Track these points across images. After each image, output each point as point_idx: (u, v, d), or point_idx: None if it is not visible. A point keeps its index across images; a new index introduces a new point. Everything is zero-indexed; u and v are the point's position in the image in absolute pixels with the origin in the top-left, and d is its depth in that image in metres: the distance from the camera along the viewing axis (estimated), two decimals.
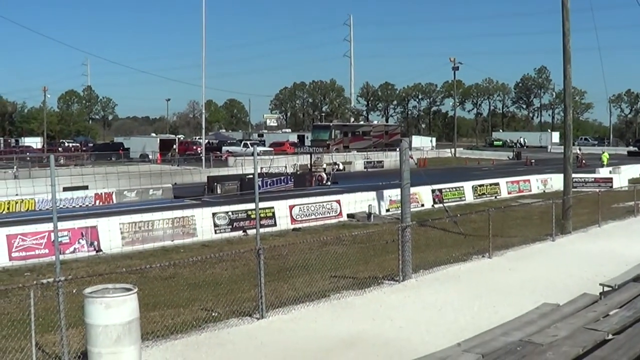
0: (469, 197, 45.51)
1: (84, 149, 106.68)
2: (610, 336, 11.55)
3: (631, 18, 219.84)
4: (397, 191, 24.21)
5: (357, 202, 37.10)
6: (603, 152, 70.79)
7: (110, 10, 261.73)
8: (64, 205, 39.73)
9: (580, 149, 74.48)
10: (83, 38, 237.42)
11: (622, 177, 58.22)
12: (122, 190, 45.72)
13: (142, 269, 17.23)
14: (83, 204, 42.43)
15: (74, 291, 15.53)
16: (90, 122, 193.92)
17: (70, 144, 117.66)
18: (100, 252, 26.34)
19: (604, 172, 60.97)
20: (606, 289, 15.78)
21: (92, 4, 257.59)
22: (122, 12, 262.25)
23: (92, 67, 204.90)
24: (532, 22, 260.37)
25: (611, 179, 55.76)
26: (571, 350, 10.55)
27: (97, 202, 43.42)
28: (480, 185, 47.82)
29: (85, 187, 46.08)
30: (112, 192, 44.71)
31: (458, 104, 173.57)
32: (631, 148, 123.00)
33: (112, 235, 27.04)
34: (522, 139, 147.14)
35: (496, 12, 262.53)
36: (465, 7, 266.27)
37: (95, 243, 26.66)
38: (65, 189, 43.26)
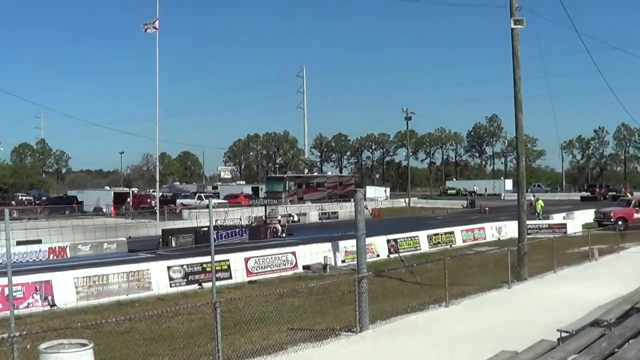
0: (425, 247, 45.57)
1: (37, 202, 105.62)
2: None
3: (580, 64, 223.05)
4: (353, 242, 24.28)
5: (312, 254, 37.01)
6: (537, 200, 69.82)
7: (62, 63, 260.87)
8: (17, 260, 39.21)
9: (534, 196, 74.88)
10: (36, 91, 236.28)
11: (575, 222, 58.71)
12: (77, 244, 45.32)
13: (97, 324, 17.02)
14: (37, 258, 41.99)
15: (28, 347, 15.31)
16: (43, 175, 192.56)
17: (24, 198, 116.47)
18: (55, 307, 26.03)
19: (557, 218, 61.42)
20: (564, 334, 15.82)
21: (43, 57, 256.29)
22: (74, 65, 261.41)
23: (46, 120, 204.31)
24: (483, 71, 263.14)
25: (565, 224, 56.23)
26: None
27: (51, 256, 42.97)
28: (435, 234, 47.94)
29: (39, 242, 45.56)
30: (66, 246, 44.29)
31: (411, 153, 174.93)
32: (584, 193, 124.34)
33: (66, 289, 26.77)
34: (475, 187, 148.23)
35: (446, 62, 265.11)
36: (416, 57, 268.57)
37: (50, 297, 26.34)
38: (18, 243, 42.74)
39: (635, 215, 56.21)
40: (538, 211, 66.22)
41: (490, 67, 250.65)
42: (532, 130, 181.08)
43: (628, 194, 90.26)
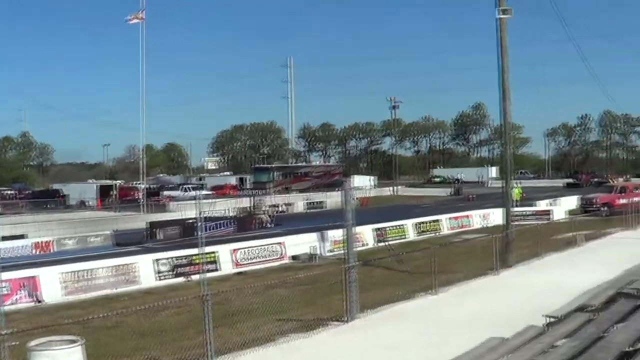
0: (412, 235, 45.71)
1: (21, 196, 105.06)
2: None
3: (565, 52, 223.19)
4: (340, 231, 24.21)
5: (300, 244, 37.07)
6: (516, 187, 67.20)
7: (45, 55, 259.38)
8: (3, 255, 39.11)
9: (520, 183, 74.81)
10: (19, 84, 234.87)
11: (560, 209, 58.97)
12: (62, 238, 45.17)
13: (85, 319, 16.98)
14: (22, 253, 41.85)
15: (14, 344, 15.25)
16: (27, 168, 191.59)
17: (7, 192, 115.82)
18: (42, 303, 25.97)
19: (542, 205, 61.57)
20: (551, 320, 15.91)
21: (25, 49, 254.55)
22: (58, 56, 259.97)
23: (29, 113, 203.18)
24: (469, 59, 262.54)
25: (550, 211, 56.39)
26: None
27: (37, 251, 42.88)
28: (422, 223, 48.09)
29: (24, 236, 45.43)
30: (52, 241, 44.20)
31: (397, 142, 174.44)
32: (568, 180, 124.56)
33: (53, 285, 26.74)
34: (461, 175, 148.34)
35: (432, 50, 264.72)
36: (401, 45, 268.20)
37: (36, 293, 26.29)
38: (3, 238, 42.64)
39: (620, 201, 56.39)
40: (516, 199, 64.89)
41: (477, 55, 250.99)
42: (517, 118, 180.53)
43: (612, 180, 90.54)
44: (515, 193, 65.34)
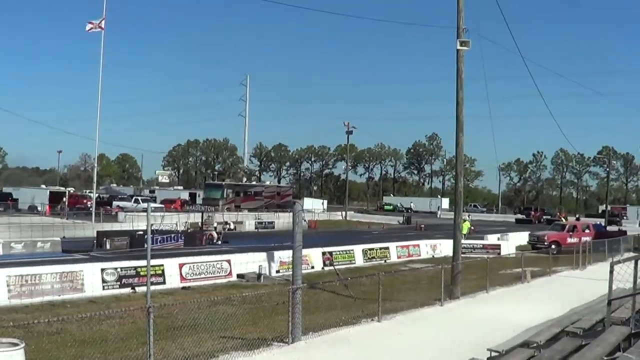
0: (359, 261, 45.70)
1: None
2: None
3: (522, 89, 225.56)
4: (288, 252, 24.28)
5: (247, 263, 36.97)
6: (465, 220, 66.53)
7: (1, 56, 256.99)
8: None
9: (469, 216, 75.39)
10: None
11: (510, 244, 59.31)
12: (10, 241, 44.73)
13: (28, 324, 16.84)
14: None
15: None
16: None
17: None
18: None
19: (492, 239, 61.95)
20: (494, 354, 16.00)
21: None
22: (13, 59, 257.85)
23: None
24: (426, 89, 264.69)
25: (499, 245, 56.76)
26: None
27: None
28: (370, 249, 48.11)
29: None
30: None
31: (350, 167, 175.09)
32: (519, 216, 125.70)
33: None
34: (412, 204, 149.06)
35: (390, 78, 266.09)
36: (359, 72, 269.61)
37: None
38: None
39: (569, 240, 56.93)
40: (464, 232, 64.30)
41: (434, 86, 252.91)
42: (471, 151, 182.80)
43: (562, 218, 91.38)
44: (463, 227, 65.43)
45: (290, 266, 23.19)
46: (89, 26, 68.27)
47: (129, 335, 19.38)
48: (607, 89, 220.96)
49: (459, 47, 30.60)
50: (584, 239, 53.28)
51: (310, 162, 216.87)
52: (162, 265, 33.01)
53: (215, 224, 61.71)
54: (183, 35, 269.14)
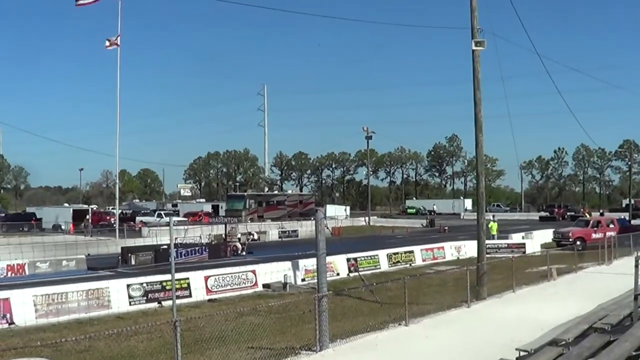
0: (384, 266, 45.63)
1: None
2: None
3: (540, 86, 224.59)
4: (313, 260, 24.26)
5: (272, 272, 36.95)
6: (491, 222, 67.50)
7: (21, 78, 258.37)
8: None
9: (493, 216, 75.29)
10: None
11: (534, 242, 59.18)
12: (35, 261, 44.93)
13: (56, 342, 16.91)
14: None
15: None
16: (1, 191, 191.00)
17: None
18: (13, 325, 25.81)
19: (516, 238, 61.76)
20: (522, 353, 15.95)
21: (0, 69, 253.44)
22: (33, 80, 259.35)
23: (4, 135, 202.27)
24: (443, 91, 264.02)
25: (524, 244, 56.56)
26: None
27: (9, 273, 42.60)
28: (395, 254, 48.03)
29: None
30: (25, 263, 43.90)
31: (371, 172, 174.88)
32: (543, 213, 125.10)
33: (25, 307, 26.55)
34: (434, 207, 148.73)
35: (407, 81, 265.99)
36: (377, 76, 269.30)
37: (8, 315, 26.10)
38: None
39: (594, 235, 56.65)
40: (493, 233, 64.79)
41: (451, 88, 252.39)
42: (491, 151, 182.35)
43: (586, 214, 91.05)
44: (492, 227, 65.39)
45: (315, 274, 23.18)
46: (107, 43, 68.58)
47: (157, 350, 19.43)
48: (625, 81, 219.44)
49: (474, 48, 30.56)
50: (608, 234, 52.99)
51: (331, 169, 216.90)
52: (188, 278, 33.06)
53: (239, 235, 61.76)
54: (199, 47, 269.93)
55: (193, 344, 18.78)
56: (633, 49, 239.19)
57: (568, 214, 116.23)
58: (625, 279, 25.61)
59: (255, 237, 71.84)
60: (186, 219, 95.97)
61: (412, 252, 49.72)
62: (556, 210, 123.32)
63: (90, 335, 18.87)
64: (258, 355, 18.50)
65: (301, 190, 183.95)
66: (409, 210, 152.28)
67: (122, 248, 52.13)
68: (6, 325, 25.73)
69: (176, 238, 54.06)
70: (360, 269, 40.89)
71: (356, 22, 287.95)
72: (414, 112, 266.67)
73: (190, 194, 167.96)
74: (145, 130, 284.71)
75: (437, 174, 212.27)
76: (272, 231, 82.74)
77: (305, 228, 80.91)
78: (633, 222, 77.58)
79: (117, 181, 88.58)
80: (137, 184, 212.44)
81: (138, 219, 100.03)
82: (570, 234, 57.93)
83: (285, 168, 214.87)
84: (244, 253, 55.81)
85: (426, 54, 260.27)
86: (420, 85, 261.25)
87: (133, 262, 47.44)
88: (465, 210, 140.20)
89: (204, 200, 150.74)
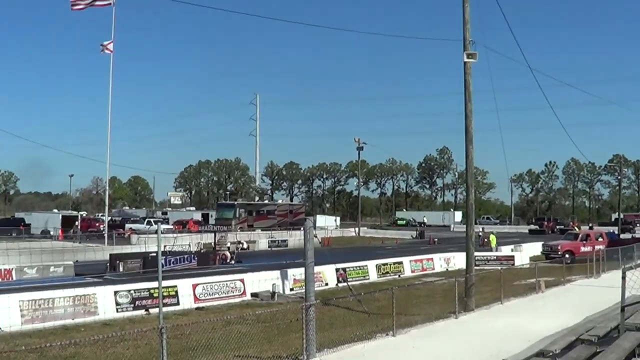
0: (373, 276, 45.69)
1: None
2: None
3: (531, 100, 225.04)
4: (301, 270, 24.22)
5: (261, 281, 36.96)
6: (491, 234, 70.51)
7: (11, 83, 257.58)
8: None
9: (482, 228, 75.32)
10: None
11: (523, 254, 59.40)
12: (23, 266, 44.83)
13: (41, 348, 16.85)
14: None
15: None
16: None
17: None
18: None
19: (505, 250, 61.97)
20: None
21: None
22: (24, 85, 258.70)
23: None
24: (435, 103, 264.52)
25: (513, 256, 56.74)
26: None
27: None
28: (384, 264, 48.08)
29: None
30: (12, 269, 43.79)
31: (362, 183, 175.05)
32: (532, 226, 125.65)
33: (11, 312, 26.48)
34: (424, 218, 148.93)
35: (399, 93, 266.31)
36: (368, 88, 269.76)
37: None
38: None
39: (582, 249, 56.77)
40: (493, 246, 66.02)
41: (443, 99, 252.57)
42: (482, 163, 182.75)
43: (576, 227, 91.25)
44: (491, 240, 66.06)
45: (304, 283, 23.13)
46: (101, 48, 68.69)
47: (143, 357, 19.38)
48: (616, 97, 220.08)
49: (465, 60, 30.64)
50: (597, 247, 53.11)
51: (322, 179, 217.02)
52: (176, 286, 33.05)
53: (228, 244, 61.71)
54: (191, 56, 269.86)
55: (179, 352, 18.72)
56: (624, 64, 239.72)
57: (557, 227, 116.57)
58: (613, 291, 25.58)
59: (245, 246, 71.90)
60: (173, 227, 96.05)
61: (401, 263, 49.81)
62: (545, 223, 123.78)
63: (76, 342, 18.80)
64: None
65: (292, 200, 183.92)
66: (399, 222, 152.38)
67: (110, 255, 52.05)
68: None
69: (165, 246, 54.03)
70: (349, 279, 40.91)
71: (348, 33, 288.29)
72: (405, 123, 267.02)
73: (180, 202, 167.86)
74: (137, 137, 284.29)
75: (427, 186, 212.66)
76: (262, 240, 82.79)
77: (295, 238, 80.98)
78: (622, 236, 77.60)
79: (107, 188, 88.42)
80: (127, 191, 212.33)
81: (127, 226, 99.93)
82: (559, 247, 58.06)
83: (276, 178, 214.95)
84: (233, 262, 55.81)
85: (418, 65, 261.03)
86: (412, 97, 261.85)
87: (121, 269, 47.32)
88: (455, 222, 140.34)
89: (194, 208, 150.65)
